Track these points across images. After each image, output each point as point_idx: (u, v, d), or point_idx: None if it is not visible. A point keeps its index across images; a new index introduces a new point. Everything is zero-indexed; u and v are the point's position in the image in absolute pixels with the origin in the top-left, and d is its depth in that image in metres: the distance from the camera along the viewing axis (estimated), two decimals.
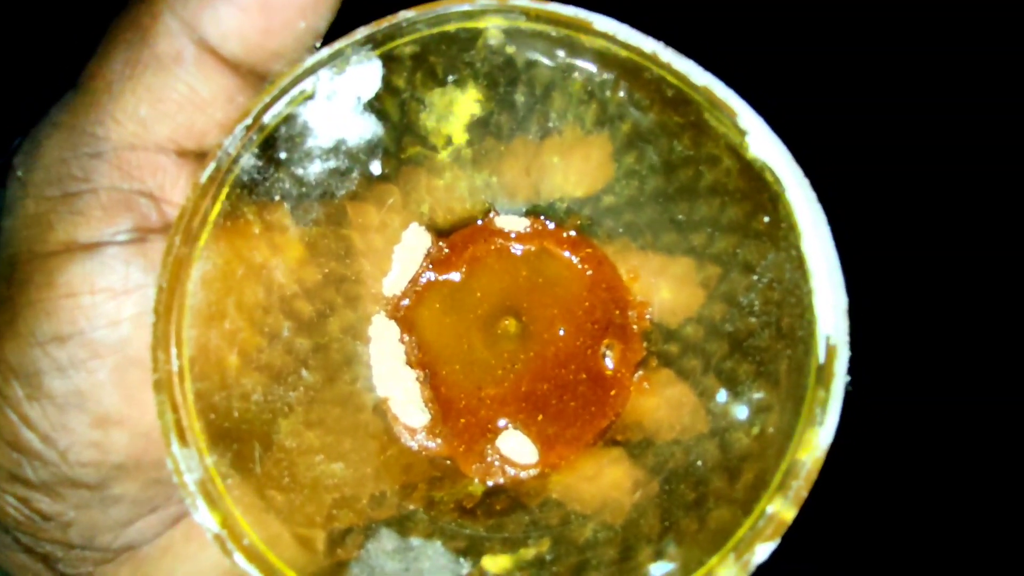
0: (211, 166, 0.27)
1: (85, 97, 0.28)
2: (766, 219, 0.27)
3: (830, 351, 0.25)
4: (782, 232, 0.27)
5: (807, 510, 0.24)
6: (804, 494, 0.24)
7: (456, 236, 0.36)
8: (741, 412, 0.28)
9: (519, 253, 0.36)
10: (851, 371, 0.24)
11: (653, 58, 0.27)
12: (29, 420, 0.28)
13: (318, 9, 0.28)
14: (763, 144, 0.26)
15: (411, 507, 0.30)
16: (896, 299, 0.66)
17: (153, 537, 0.32)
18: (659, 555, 0.26)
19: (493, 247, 0.36)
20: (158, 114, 0.28)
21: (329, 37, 0.29)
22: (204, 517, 0.24)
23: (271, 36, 0.28)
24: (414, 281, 0.36)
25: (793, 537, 0.24)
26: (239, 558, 0.24)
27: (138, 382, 0.28)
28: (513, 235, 0.36)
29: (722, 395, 0.29)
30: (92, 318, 0.27)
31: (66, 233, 0.28)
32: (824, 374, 0.25)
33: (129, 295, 0.28)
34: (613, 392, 0.34)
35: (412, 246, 0.35)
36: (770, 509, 0.24)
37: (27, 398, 0.28)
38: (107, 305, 0.27)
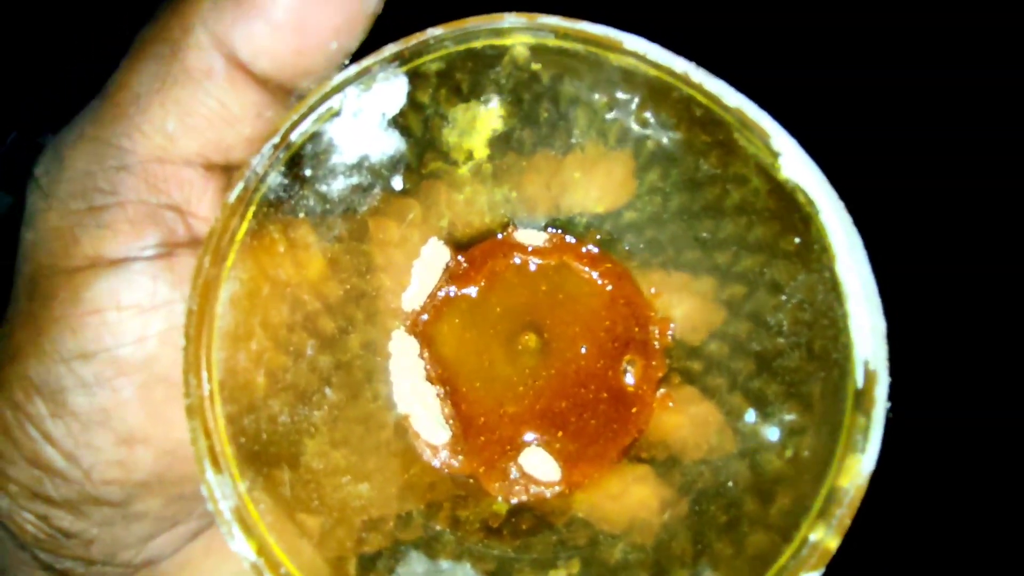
0: (239, 185, 0.27)
1: (111, 109, 0.28)
2: (796, 240, 0.27)
3: (869, 376, 0.25)
4: (814, 254, 0.26)
5: (850, 537, 0.24)
6: (848, 522, 0.24)
7: (475, 250, 0.36)
8: (772, 433, 0.28)
9: (538, 267, 0.36)
10: (891, 395, 0.24)
11: (684, 78, 0.27)
12: (52, 438, 0.27)
13: (351, 30, 0.28)
14: (797, 166, 0.26)
15: (437, 527, 0.30)
16: (932, 318, 0.65)
17: (172, 552, 0.31)
18: None
19: (512, 261, 0.36)
20: (186, 128, 0.28)
21: (357, 54, 0.29)
22: (240, 545, 0.24)
23: (303, 56, 0.27)
24: (433, 296, 0.35)
25: (837, 565, 0.23)
26: None
27: (164, 399, 0.27)
28: (531, 249, 0.36)
29: (751, 415, 0.29)
30: (118, 335, 0.27)
31: (92, 247, 0.27)
32: (863, 400, 0.24)
33: (156, 311, 0.27)
34: (635, 409, 0.34)
35: (431, 261, 0.35)
36: (813, 537, 0.24)
37: (51, 415, 0.27)
38: (133, 322, 0.27)
